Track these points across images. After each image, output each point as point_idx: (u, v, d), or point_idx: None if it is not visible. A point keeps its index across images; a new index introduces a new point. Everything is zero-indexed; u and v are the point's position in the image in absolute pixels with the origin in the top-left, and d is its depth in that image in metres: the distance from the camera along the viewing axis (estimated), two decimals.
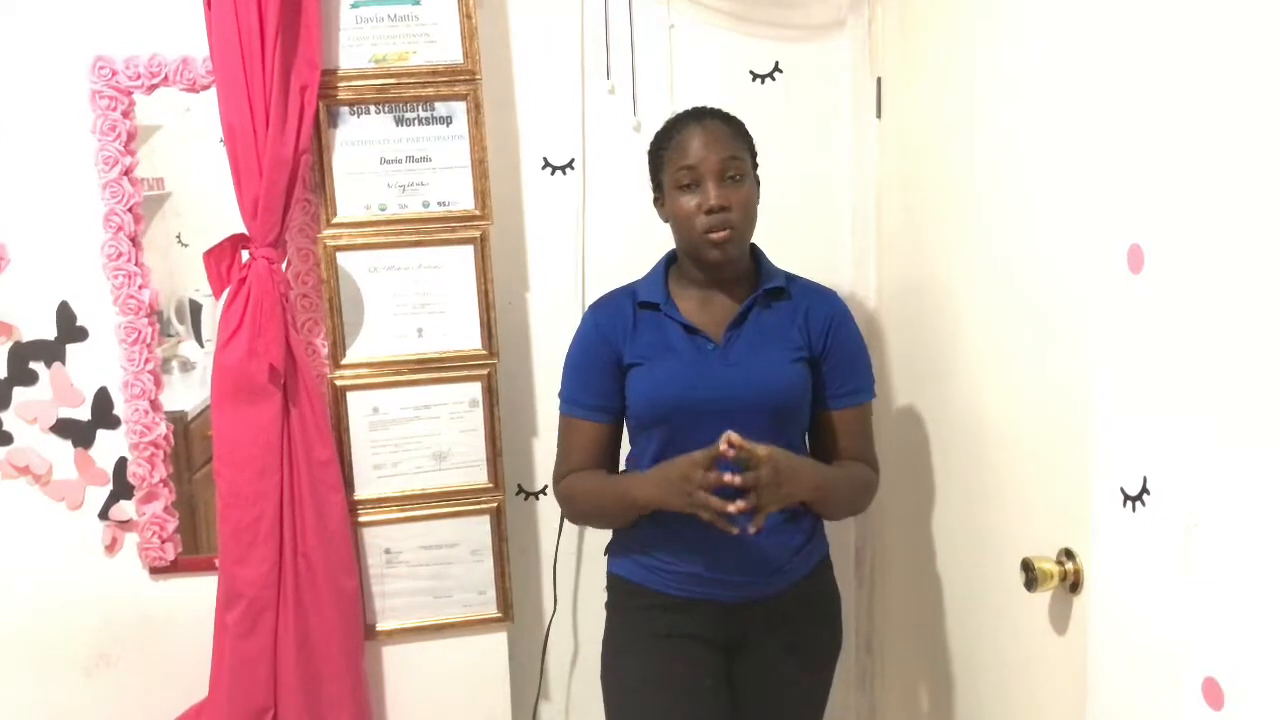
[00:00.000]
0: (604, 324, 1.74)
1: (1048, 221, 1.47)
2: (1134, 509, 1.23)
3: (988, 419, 1.70)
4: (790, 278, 1.76)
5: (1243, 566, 1.05)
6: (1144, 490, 1.21)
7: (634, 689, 1.75)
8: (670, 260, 1.78)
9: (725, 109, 1.71)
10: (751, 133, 1.72)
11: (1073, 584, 1.43)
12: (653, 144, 1.72)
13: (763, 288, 1.71)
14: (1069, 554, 1.43)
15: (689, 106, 1.73)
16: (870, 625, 2.27)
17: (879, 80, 2.07)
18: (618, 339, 1.72)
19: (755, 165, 1.71)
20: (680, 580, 1.71)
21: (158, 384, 1.94)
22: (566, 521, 2.01)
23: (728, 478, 1.50)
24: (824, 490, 1.66)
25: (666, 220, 1.72)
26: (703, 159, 1.63)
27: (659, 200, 1.73)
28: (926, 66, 1.88)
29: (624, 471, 1.78)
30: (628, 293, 1.77)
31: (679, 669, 1.72)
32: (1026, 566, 1.44)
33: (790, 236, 2.01)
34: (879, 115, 2.08)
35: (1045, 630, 1.51)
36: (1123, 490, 1.25)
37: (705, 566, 1.69)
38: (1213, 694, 1.10)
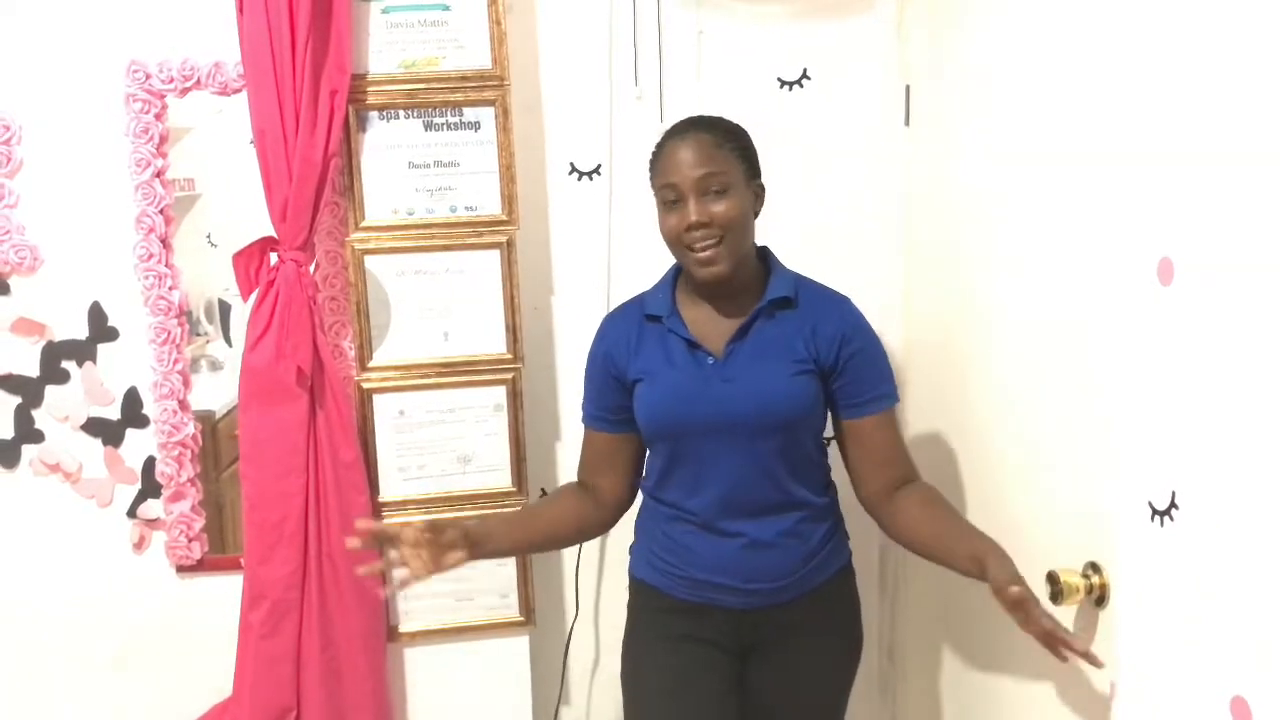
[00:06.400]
0: (610, 341, 1.75)
1: (1077, 232, 1.46)
2: (1162, 524, 1.22)
3: (1014, 430, 1.69)
4: (800, 284, 1.72)
5: (1272, 584, 1.04)
6: (1172, 505, 1.20)
7: (650, 692, 1.76)
8: (679, 269, 1.75)
9: (729, 116, 1.67)
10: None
11: (1099, 598, 1.41)
12: (650, 157, 1.70)
13: (767, 299, 1.68)
14: (1095, 567, 1.42)
15: (686, 116, 1.70)
16: (892, 634, 2.26)
17: (907, 88, 2.07)
18: (622, 356, 1.72)
19: (756, 173, 1.67)
20: (691, 585, 1.71)
21: (186, 384, 1.96)
22: None
23: None
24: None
25: None
26: (682, 176, 1.60)
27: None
28: (955, 74, 1.87)
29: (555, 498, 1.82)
30: (638, 303, 1.77)
31: (694, 673, 1.72)
32: (1052, 579, 1.43)
33: (814, 244, 2.01)
34: (907, 123, 2.07)
35: None
36: (1151, 505, 1.24)
37: (714, 573, 1.69)
38: (1241, 712, 1.09)
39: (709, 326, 1.69)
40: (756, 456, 1.65)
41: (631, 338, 1.72)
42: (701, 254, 1.61)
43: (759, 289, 1.70)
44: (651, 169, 1.68)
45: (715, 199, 1.60)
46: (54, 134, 1.89)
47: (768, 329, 1.68)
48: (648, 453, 1.76)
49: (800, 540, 1.70)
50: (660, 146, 1.66)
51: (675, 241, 1.63)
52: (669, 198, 1.62)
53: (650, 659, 1.77)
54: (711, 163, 1.60)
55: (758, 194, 1.67)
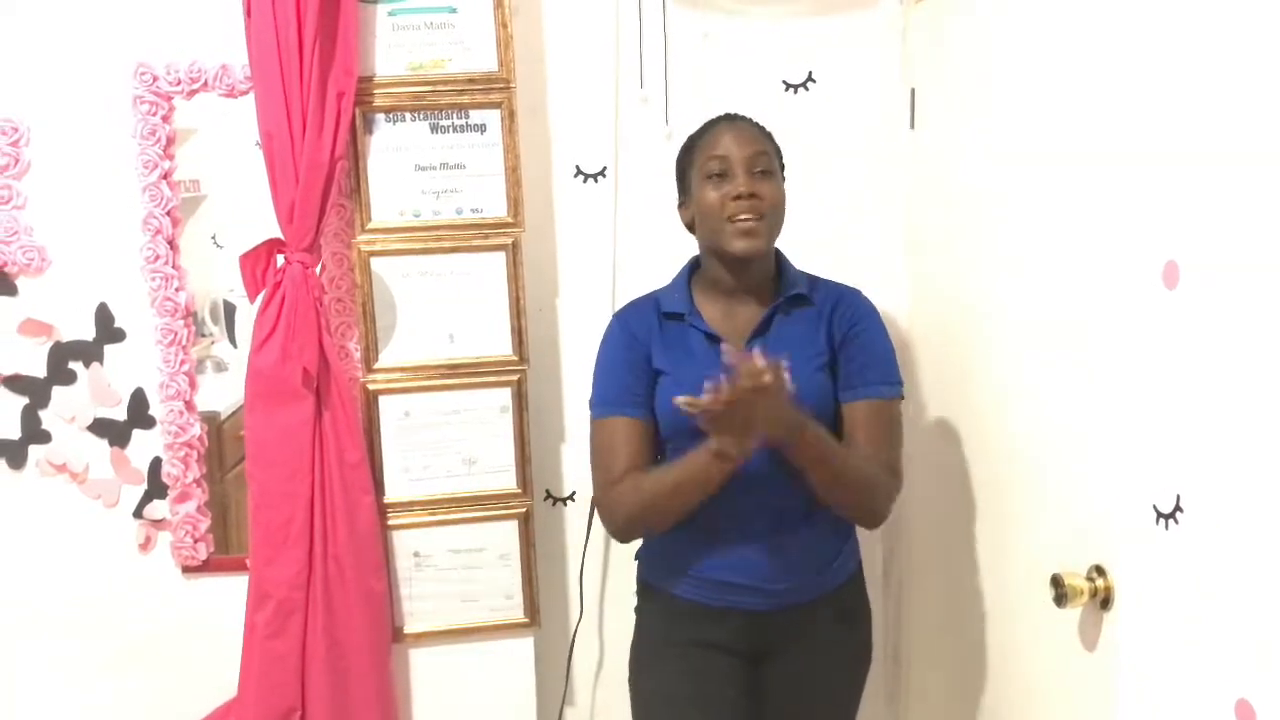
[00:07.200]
0: (632, 325, 1.75)
1: (1082, 234, 1.46)
2: (1167, 526, 1.22)
3: (1019, 433, 1.69)
4: (813, 281, 1.76)
5: (1277, 587, 1.04)
6: (1177, 508, 1.20)
7: (660, 698, 1.75)
8: (693, 268, 1.78)
9: (757, 120, 1.73)
10: (783, 142, 1.74)
11: (1103, 600, 1.41)
12: (684, 145, 1.75)
13: (785, 295, 1.71)
14: (1099, 570, 1.42)
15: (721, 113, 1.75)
16: (898, 638, 2.26)
17: (912, 91, 2.07)
18: (645, 341, 1.72)
19: (783, 177, 1.72)
20: (711, 588, 1.71)
21: (193, 385, 1.97)
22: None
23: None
24: (806, 437, 1.54)
25: (689, 223, 1.73)
26: (733, 150, 1.65)
27: (683, 204, 1.74)
28: (959, 76, 1.88)
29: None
30: (651, 301, 1.78)
31: (705, 679, 1.72)
32: (1056, 582, 1.43)
33: (819, 245, 2.01)
34: (912, 126, 2.08)
35: (1075, 647, 1.50)
36: (1155, 508, 1.24)
37: (735, 573, 1.69)
38: (1245, 715, 1.09)
39: (727, 323, 1.71)
40: (779, 453, 1.65)
41: (653, 328, 1.73)
42: (743, 225, 1.63)
43: (774, 286, 1.73)
44: (691, 148, 1.72)
45: (762, 178, 1.65)
46: (61, 135, 1.89)
47: (787, 325, 1.70)
48: (663, 455, 1.75)
49: (819, 541, 1.71)
50: (704, 130, 1.72)
51: (716, 214, 1.65)
52: (715, 169, 1.66)
53: (662, 666, 1.76)
54: (762, 145, 1.68)
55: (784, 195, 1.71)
